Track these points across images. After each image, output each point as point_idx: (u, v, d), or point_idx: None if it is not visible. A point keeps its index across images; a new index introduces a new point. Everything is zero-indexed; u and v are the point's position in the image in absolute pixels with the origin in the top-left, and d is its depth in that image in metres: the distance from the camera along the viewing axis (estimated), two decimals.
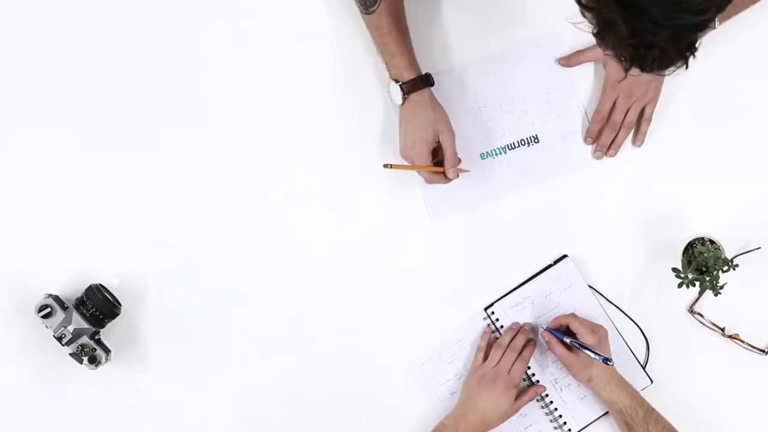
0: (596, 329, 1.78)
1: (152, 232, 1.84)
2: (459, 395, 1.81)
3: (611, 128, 1.83)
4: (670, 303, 1.83)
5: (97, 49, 1.86)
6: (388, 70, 1.77)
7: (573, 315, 1.80)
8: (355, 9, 1.78)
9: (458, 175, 1.78)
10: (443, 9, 1.85)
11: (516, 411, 1.79)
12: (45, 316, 1.76)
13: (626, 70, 1.38)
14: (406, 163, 1.79)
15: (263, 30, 1.86)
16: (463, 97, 1.84)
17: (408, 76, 1.75)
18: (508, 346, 1.81)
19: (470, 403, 1.78)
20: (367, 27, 1.78)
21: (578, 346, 1.76)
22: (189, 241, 1.85)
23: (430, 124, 1.76)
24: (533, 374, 1.83)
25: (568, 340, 1.78)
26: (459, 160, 1.79)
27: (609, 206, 1.85)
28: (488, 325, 1.85)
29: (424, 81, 1.76)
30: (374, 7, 1.73)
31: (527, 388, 1.81)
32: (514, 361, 1.79)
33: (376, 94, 1.86)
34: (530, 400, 1.81)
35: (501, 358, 1.80)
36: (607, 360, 1.73)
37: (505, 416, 1.78)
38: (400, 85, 1.75)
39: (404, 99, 1.76)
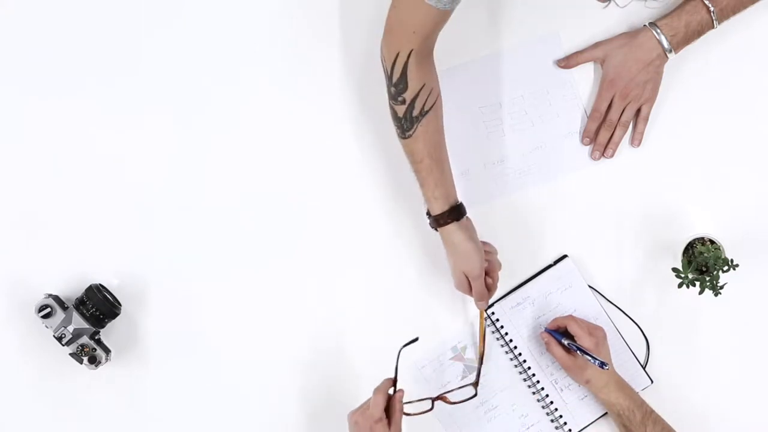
0: (594, 331, 1.78)
1: (152, 232, 1.85)
2: None
3: (608, 127, 1.84)
4: (670, 303, 1.83)
5: (95, 50, 1.86)
6: (423, 194, 1.74)
7: (571, 317, 1.80)
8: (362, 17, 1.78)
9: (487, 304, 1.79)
10: None
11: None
12: (45, 316, 1.76)
13: None
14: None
15: (262, 31, 1.87)
16: (463, 97, 1.84)
17: (435, 209, 1.71)
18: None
19: None
20: (404, 151, 1.73)
21: (575, 348, 1.76)
22: (189, 242, 1.85)
23: (458, 264, 1.74)
24: (533, 374, 1.83)
25: (565, 342, 1.77)
26: (495, 286, 1.79)
27: (609, 206, 1.85)
28: (489, 324, 1.85)
29: (450, 215, 1.72)
30: (410, 132, 1.68)
31: (390, 409, 1.67)
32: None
33: (378, 95, 1.85)
34: (401, 413, 1.67)
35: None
36: (603, 364, 1.73)
37: None
38: (429, 222, 1.74)
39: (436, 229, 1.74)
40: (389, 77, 1.66)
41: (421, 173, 1.71)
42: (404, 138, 1.70)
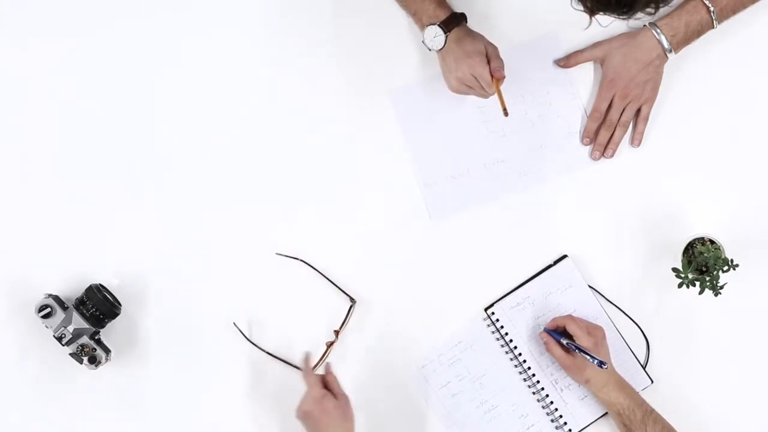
0: (593, 331, 1.78)
1: (152, 232, 1.85)
2: None
3: (608, 127, 1.84)
4: (670, 303, 1.83)
5: (93, 53, 1.87)
6: (420, 19, 1.76)
7: (570, 316, 1.80)
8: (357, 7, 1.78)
9: (504, 77, 1.75)
10: None
11: (346, 398, 1.73)
12: (45, 316, 1.76)
13: (591, 13, 1.40)
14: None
15: (252, 30, 1.87)
16: (463, 98, 1.83)
17: (443, 14, 1.73)
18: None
19: None
20: None
21: (574, 348, 1.76)
22: (189, 241, 1.85)
23: (477, 38, 1.74)
24: (533, 374, 1.83)
25: (564, 342, 1.77)
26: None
27: (609, 206, 1.85)
28: (489, 324, 1.85)
29: (460, 17, 1.75)
30: None
31: (328, 381, 1.75)
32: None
33: (379, 98, 1.86)
34: (335, 378, 1.74)
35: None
36: (602, 363, 1.73)
37: (346, 414, 1.72)
38: (438, 25, 1.72)
39: (446, 38, 1.73)
40: None
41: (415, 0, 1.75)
42: None
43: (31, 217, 1.85)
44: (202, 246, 1.85)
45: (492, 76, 1.72)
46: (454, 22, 1.73)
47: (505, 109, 1.73)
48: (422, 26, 1.75)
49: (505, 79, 1.74)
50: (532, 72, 1.85)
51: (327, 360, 1.83)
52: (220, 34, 1.86)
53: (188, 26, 1.87)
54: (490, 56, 1.74)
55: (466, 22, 1.76)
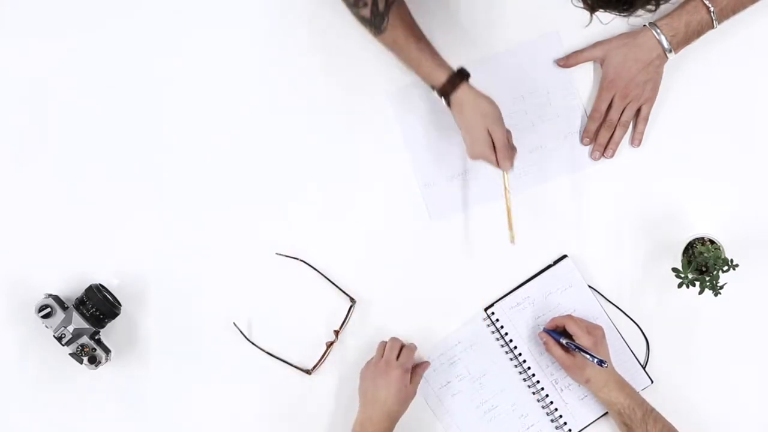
0: (592, 330, 1.78)
1: (152, 232, 1.85)
2: (359, 401, 1.78)
3: (608, 127, 1.84)
4: (670, 303, 1.83)
5: (94, 55, 1.87)
6: (423, 79, 1.75)
7: (569, 316, 1.80)
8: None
9: (513, 165, 1.74)
10: (443, 10, 1.85)
11: (415, 391, 1.77)
12: (45, 316, 1.76)
13: (591, 11, 1.40)
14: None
15: (245, 32, 1.87)
16: None
17: (440, 78, 1.71)
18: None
19: (370, 401, 1.75)
20: (386, 47, 1.74)
21: (574, 347, 1.76)
22: (189, 241, 1.85)
23: (480, 121, 1.72)
24: (533, 374, 1.83)
25: (564, 342, 1.77)
26: (514, 149, 1.75)
27: (609, 206, 1.85)
28: (489, 324, 1.85)
29: (457, 77, 1.72)
30: (384, 24, 1.69)
31: (417, 367, 1.80)
32: (401, 350, 1.78)
33: (379, 98, 1.86)
34: (422, 374, 1.80)
35: (384, 350, 1.80)
36: (602, 362, 1.73)
37: (407, 400, 1.76)
38: (437, 92, 1.73)
39: (448, 103, 1.73)
40: None
41: (412, 54, 1.72)
42: (381, 33, 1.70)
43: (32, 217, 1.85)
44: (202, 246, 1.85)
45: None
46: (452, 87, 1.71)
47: (512, 234, 1.78)
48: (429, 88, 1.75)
49: (516, 155, 1.74)
50: (532, 72, 1.85)
51: (326, 360, 1.83)
52: (220, 34, 1.86)
53: (188, 26, 1.87)
54: (495, 143, 1.71)
55: (469, 78, 1.72)
